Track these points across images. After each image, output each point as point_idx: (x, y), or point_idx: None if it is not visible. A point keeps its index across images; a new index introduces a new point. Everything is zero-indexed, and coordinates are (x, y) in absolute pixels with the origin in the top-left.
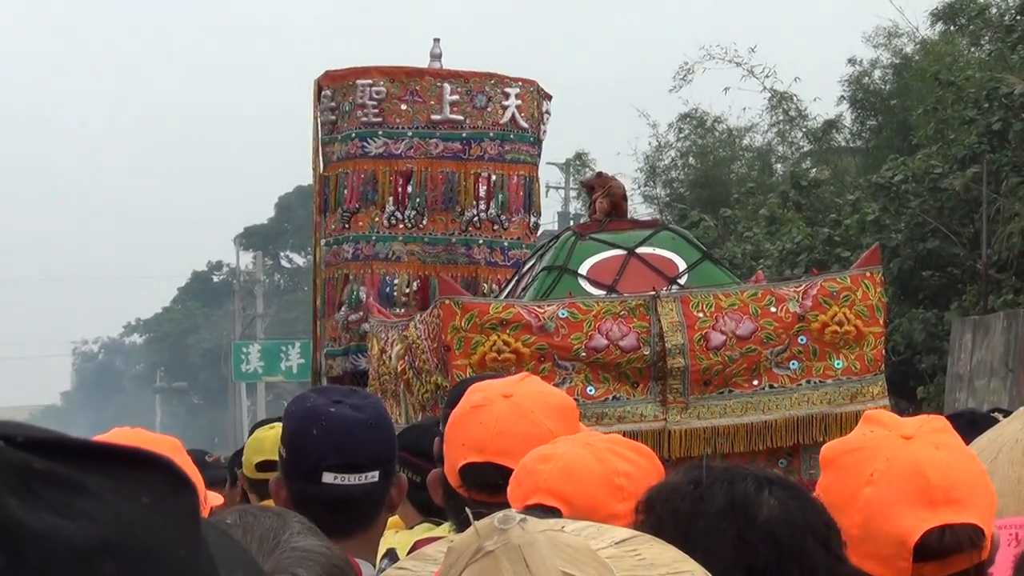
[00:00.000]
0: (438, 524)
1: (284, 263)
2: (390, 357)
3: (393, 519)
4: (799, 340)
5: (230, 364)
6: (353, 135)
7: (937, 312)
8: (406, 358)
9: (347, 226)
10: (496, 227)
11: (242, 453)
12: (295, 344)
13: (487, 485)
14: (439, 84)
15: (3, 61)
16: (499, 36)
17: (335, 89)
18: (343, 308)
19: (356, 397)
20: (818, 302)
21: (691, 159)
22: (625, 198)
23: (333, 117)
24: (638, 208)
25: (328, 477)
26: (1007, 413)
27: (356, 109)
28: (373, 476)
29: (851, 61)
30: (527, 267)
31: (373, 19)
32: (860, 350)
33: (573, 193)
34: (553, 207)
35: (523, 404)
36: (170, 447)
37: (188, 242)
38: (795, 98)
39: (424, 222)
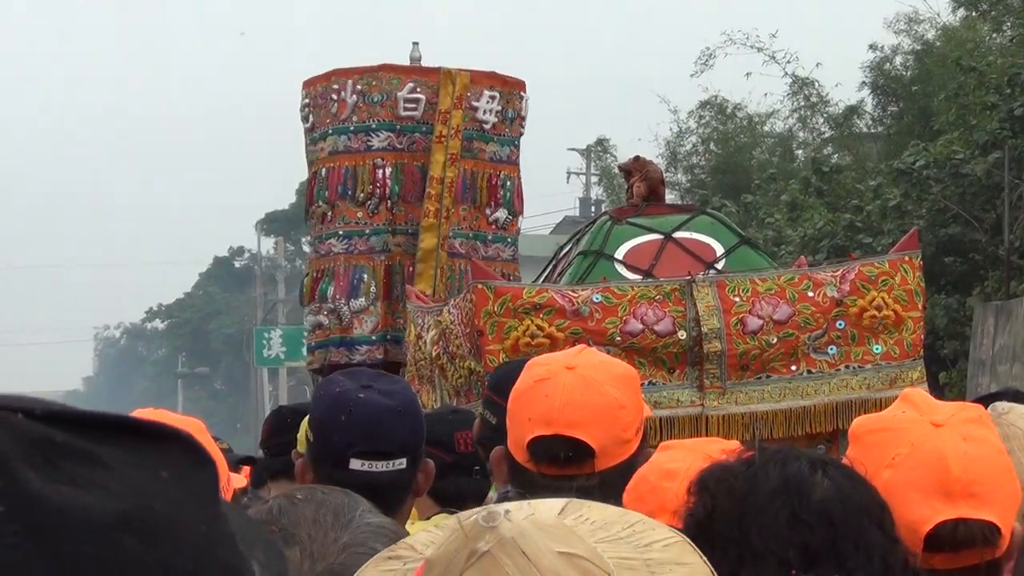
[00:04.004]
0: (454, 514)
1: (306, 248)
2: (425, 342)
3: None
4: (837, 325)
5: (252, 349)
6: (513, 140)
7: (959, 298)
8: (440, 343)
9: (507, 227)
10: None
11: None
12: None
13: (556, 458)
14: (522, 96)
15: (26, 57)
16: (513, 24)
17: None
18: None
19: (385, 382)
20: (856, 287)
21: (712, 145)
22: (663, 182)
23: (495, 119)
24: None
25: (355, 463)
26: None
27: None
28: (400, 463)
29: (872, 47)
30: (563, 252)
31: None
32: (899, 335)
33: (594, 179)
34: (574, 193)
35: (587, 375)
36: (194, 428)
37: (210, 228)
38: (816, 84)
39: None
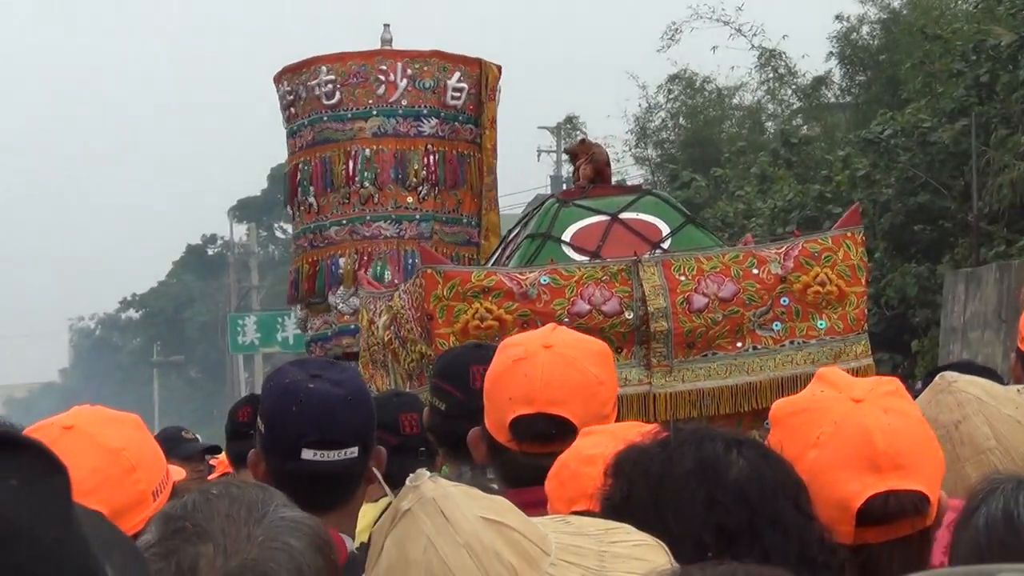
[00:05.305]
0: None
1: (278, 234)
2: (378, 327)
3: None
4: (782, 301)
5: (226, 336)
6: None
7: (929, 266)
8: (392, 328)
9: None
10: None
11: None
12: (291, 315)
13: (540, 436)
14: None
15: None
16: (484, 7)
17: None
18: None
19: (335, 371)
20: (800, 263)
21: (681, 120)
22: (608, 164)
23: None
24: (629, 170)
25: (307, 454)
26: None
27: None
28: (352, 452)
29: (839, 17)
30: (512, 235)
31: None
32: (843, 310)
33: (564, 157)
34: (545, 171)
35: (565, 353)
36: (131, 424)
37: (182, 216)
38: (784, 56)
39: None
